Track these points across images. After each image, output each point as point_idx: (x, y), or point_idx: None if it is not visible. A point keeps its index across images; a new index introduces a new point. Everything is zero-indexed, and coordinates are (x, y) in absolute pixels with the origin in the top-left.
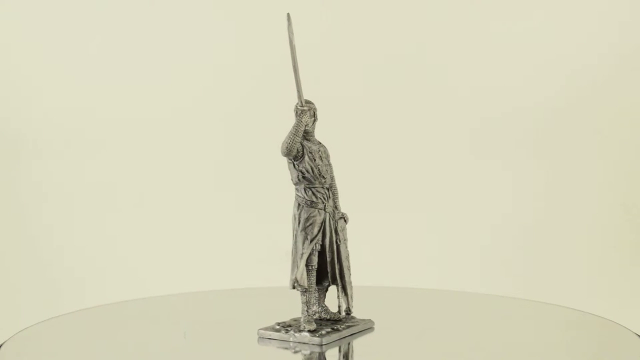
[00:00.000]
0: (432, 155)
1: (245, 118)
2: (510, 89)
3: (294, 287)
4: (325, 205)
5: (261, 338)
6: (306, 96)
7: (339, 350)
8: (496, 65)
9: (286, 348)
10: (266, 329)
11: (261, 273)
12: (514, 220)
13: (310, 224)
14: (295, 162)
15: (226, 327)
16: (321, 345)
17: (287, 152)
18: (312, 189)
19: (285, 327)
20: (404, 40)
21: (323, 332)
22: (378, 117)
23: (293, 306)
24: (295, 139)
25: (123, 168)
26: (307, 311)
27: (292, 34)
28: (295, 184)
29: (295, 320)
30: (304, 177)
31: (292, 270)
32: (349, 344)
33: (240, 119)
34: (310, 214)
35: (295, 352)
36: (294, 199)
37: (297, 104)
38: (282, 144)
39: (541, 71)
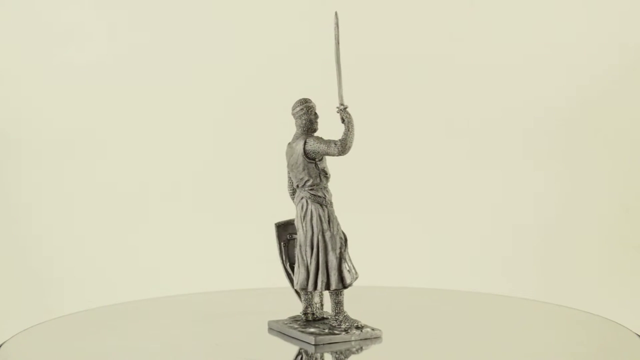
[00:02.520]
0: (435, 156)
1: (244, 118)
2: (514, 90)
3: (334, 288)
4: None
5: (324, 344)
6: (300, 94)
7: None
8: (499, 66)
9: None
10: (321, 335)
11: (261, 273)
12: (515, 220)
13: (338, 224)
14: (317, 162)
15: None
16: (380, 337)
17: (349, 151)
18: (327, 188)
19: (338, 328)
20: (401, 39)
21: (367, 326)
22: (378, 115)
23: (292, 306)
24: (354, 136)
25: (124, 168)
26: (344, 310)
27: (338, 32)
28: (314, 184)
29: (309, 320)
30: (325, 176)
31: (324, 272)
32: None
33: (239, 119)
34: (334, 214)
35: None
36: (306, 200)
37: (338, 102)
38: (343, 143)
39: (547, 72)
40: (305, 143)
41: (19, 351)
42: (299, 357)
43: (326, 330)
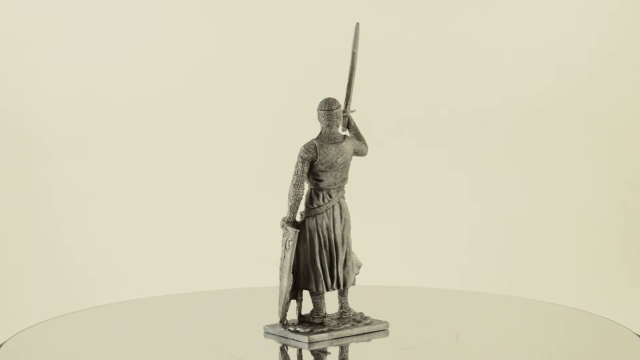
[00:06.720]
0: (422, 151)
1: (243, 118)
2: (500, 82)
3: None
4: None
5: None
6: (297, 95)
7: None
8: (485, 56)
9: None
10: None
11: (259, 273)
12: (513, 221)
13: None
14: None
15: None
16: None
17: None
18: None
19: (363, 320)
20: (383, 39)
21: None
22: (370, 119)
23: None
24: None
25: (122, 169)
26: None
27: (357, 45)
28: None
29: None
30: None
31: (354, 267)
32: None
33: (238, 120)
34: None
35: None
36: (341, 200)
37: (346, 108)
38: (366, 145)
39: (533, 63)
40: (357, 143)
41: (19, 350)
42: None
43: (371, 320)
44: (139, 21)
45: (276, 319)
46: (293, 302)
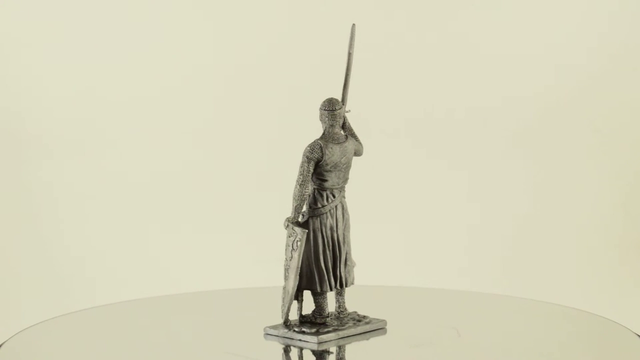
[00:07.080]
0: (422, 151)
1: (245, 116)
2: (500, 82)
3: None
4: None
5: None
6: (295, 94)
7: None
8: (485, 56)
9: None
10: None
11: (258, 274)
12: (512, 221)
13: None
14: None
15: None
16: None
17: None
18: None
19: (364, 319)
20: (382, 39)
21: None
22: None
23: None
24: None
25: (119, 169)
26: None
27: (353, 45)
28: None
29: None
30: None
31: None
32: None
33: (240, 117)
34: None
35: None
36: (343, 199)
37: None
38: (361, 145)
39: (533, 63)
40: (356, 143)
41: (19, 350)
42: None
43: (370, 319)
44: (139, 21)
45: (276, 320)
46: (293, 303)
